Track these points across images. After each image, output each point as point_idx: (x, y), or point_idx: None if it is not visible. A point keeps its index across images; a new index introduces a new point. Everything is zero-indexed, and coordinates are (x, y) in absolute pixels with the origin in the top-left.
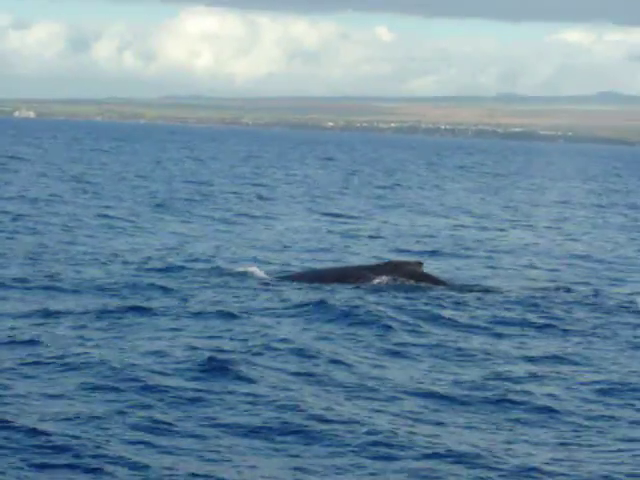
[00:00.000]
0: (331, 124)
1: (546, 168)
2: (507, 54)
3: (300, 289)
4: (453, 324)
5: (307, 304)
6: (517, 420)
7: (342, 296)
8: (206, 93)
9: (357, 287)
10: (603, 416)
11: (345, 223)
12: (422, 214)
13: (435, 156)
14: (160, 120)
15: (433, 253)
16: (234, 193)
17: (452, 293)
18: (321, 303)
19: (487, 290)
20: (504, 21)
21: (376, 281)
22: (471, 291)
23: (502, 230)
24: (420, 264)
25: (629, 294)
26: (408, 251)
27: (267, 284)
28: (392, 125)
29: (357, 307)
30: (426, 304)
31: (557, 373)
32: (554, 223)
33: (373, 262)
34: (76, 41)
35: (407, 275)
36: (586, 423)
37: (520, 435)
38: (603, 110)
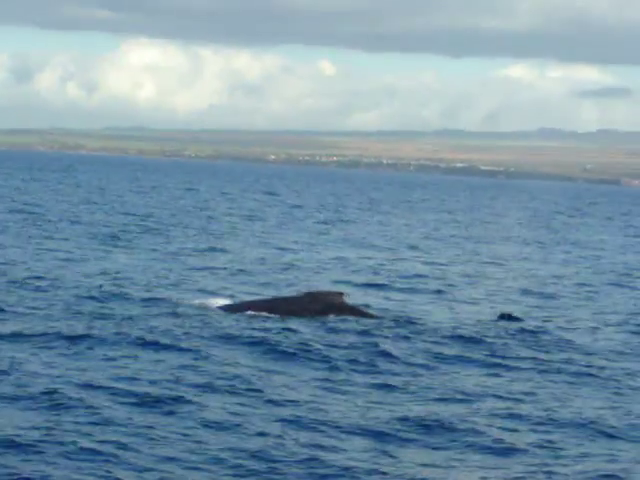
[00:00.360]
0: (273, 157)
1: (488, 204)
2: (450, 89)
3: (229, 320)
4: (371, 357)
5: (236, 336)
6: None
7: (268, 326)
8: (148, 125)
9: (280, 318)
10: (543, 447)
11: (287, 254)
12: (365, 248)
13: (376, 191)
14: (102, 151)
15: (373, 285)
16: (177, 226)
17: (372, 323)
18: (251, 336)
19: (411, 322)
20: (447, 56)
21: (298, 312)
22: (397, 322)
23: (445, 265)
24: (341, 294)
25: (567, 329)
26: (348, 282)
27: (204, 314)
28: (334, 159)
29: (281, 340)
30: (345, 336)
31: (498, 408)
32: (497, 259)
33: (295, 293)
34: (18, 71)
35: (328, 305)
36: (532, 456)
37: (466, 469)
38: (544, 146)
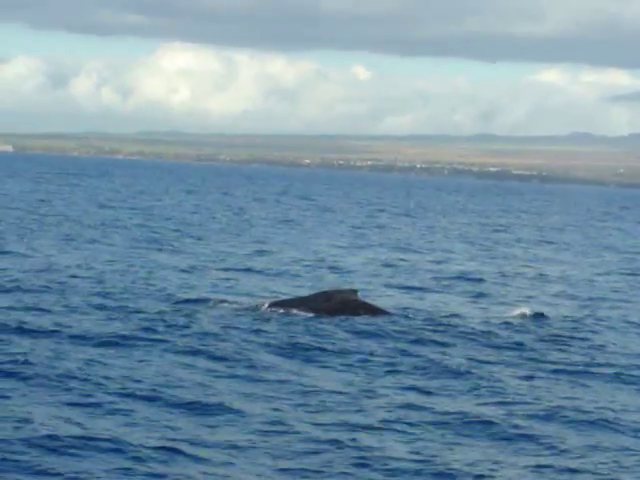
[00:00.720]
0: (307, 161)
1: (526, 208)
2: (482, 94)
3: (248, 321)
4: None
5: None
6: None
7: (284, 325)
8: (183, 129)
9: (296, 317)
10: (584, 446)
11: (323, 256)
12: (402, 250)
13: (413, 195)
14: (137, 155)
15: (410, 288)
16: (215, 230)
17: (385, 321)
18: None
19: (436, 321)
20: (480, 61)
21: (314, 310)
22: (409, 319)
23: (479, 267)
24: (355, 292)
25: (601, 332)
26: (384, 284)
27: (240, 315)
28: (368, 163)
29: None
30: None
31: (536, 409)
32: (532, 262)
33: (310, 292)
34: (55, 76)
35: (343, 304)
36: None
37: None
38: (576, 150)
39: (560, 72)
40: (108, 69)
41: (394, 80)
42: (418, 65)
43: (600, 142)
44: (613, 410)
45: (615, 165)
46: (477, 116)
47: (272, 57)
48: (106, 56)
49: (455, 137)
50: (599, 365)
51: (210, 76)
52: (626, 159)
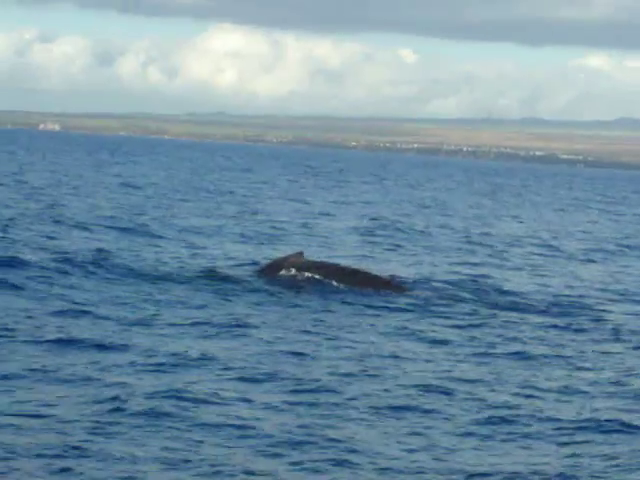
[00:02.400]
0: (354, 144)
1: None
2: (529, 78)
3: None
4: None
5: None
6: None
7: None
8: (229, 110)
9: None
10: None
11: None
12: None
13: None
14: (184, 136)
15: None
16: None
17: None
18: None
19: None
20: (527, 45)
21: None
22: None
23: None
24: (300, 254)
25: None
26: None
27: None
28: (414, 146)
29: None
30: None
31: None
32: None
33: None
34: (101, 55)
35: (290, 266)
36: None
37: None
38: (623, 135)
39: (607, 57)
40: (155, 49)
41: (441, 63)
42: (465, 48)
43: None
44: None
45: None
46: (524, 100)
47: (319, 39)
48: (153, 36)
49: (501, 121)
50: None
51: (257, 57)
52: None
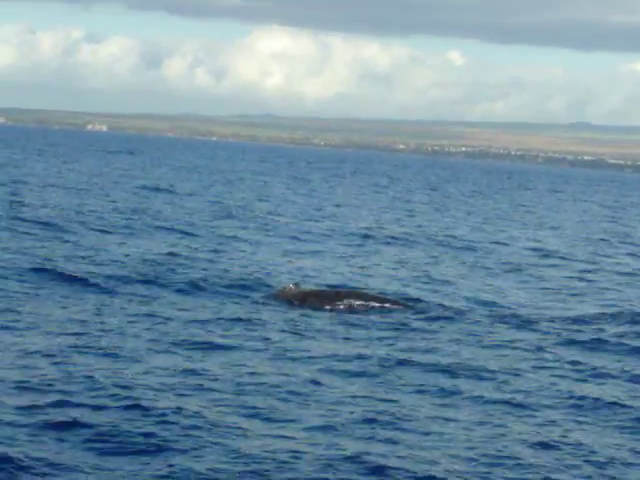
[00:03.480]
0: (402, 147)
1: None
2: (577, 82)
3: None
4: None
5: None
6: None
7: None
8: (276, 112)
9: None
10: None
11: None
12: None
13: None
14: (231, 138)
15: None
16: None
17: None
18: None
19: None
20: (576, 49)
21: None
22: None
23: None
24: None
25: None
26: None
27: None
28: (462, 149)
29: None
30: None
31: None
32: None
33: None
34: (149, 56)
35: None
36: None
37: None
38: None
39: None
40: (202, 51)
41: (489, 66)
42: (513, 52)
43: None
44: None
45: None
46: (572, 104)
47: (366, 42)
48: (201, 37)
49: (549, 125)
50: None
51: (304, 59)
52: None
